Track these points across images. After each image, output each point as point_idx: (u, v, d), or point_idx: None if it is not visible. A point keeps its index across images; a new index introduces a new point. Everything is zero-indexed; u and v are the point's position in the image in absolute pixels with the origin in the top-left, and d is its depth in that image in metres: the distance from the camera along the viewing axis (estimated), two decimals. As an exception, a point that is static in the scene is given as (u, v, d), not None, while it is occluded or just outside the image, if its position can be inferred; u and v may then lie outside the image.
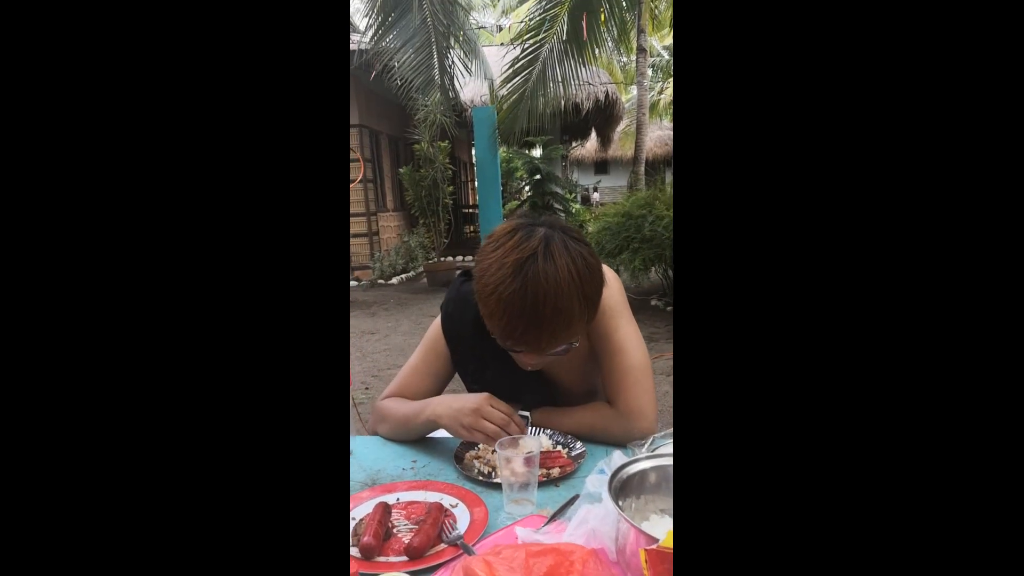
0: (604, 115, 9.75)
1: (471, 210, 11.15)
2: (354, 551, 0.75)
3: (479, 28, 7.88)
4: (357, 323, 5.33)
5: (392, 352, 4.41)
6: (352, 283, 7.46)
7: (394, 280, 7.57)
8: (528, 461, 0.84)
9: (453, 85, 5.67)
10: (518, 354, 0.98)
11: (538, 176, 7.99)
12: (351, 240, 7.74)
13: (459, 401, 0.99)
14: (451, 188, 7.74)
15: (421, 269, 7.68)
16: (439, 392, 1.16)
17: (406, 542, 0.75)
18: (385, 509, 0.81)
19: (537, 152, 9.41)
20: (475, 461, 0.99)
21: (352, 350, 3.72)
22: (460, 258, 8.43)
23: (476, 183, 7.94)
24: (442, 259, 7.64)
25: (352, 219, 7.80)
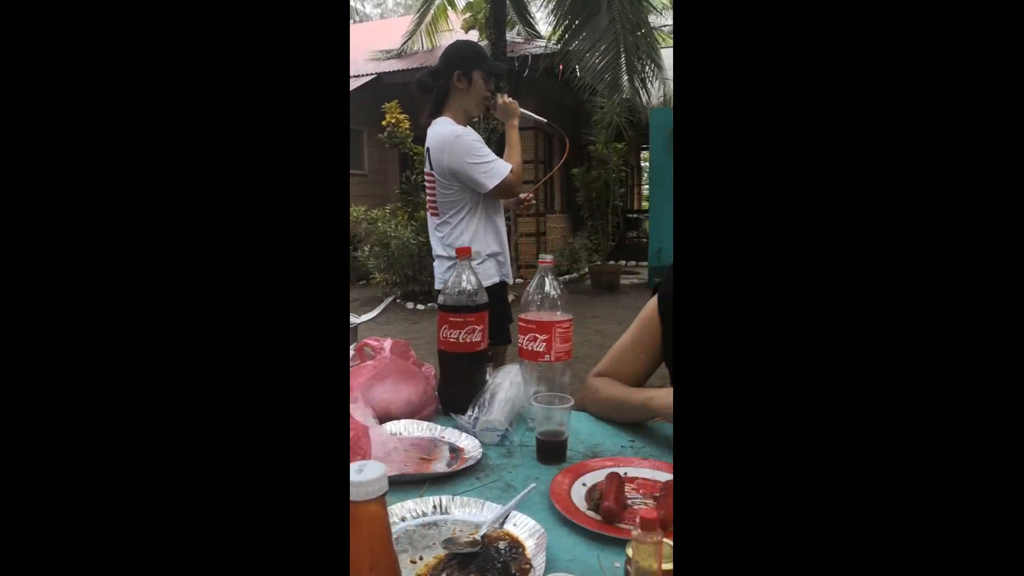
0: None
1: (636, 215, 10.95)
2: (593, 514, 0.76)
3: (657, 28, 7.73)
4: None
5: (558, 348, 4.46)
6: (519, 280, 7.71)
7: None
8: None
9: (644, 85, 5.58)
10: None
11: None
12: (521, 240, 8.00)
13: None
14: (622, 191, 7.67)
15: (585, 271, 7.70)
16: (652, 371, 1.13)
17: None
18: (620, 479, 0.80)
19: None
20: (699, 449, 0.95)
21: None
22: (624, 263, 8.31)
23: (644, 187, 7.73)
24: (608, 263, 7.59)
25: (523, 219, 8.07)
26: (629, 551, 0.55)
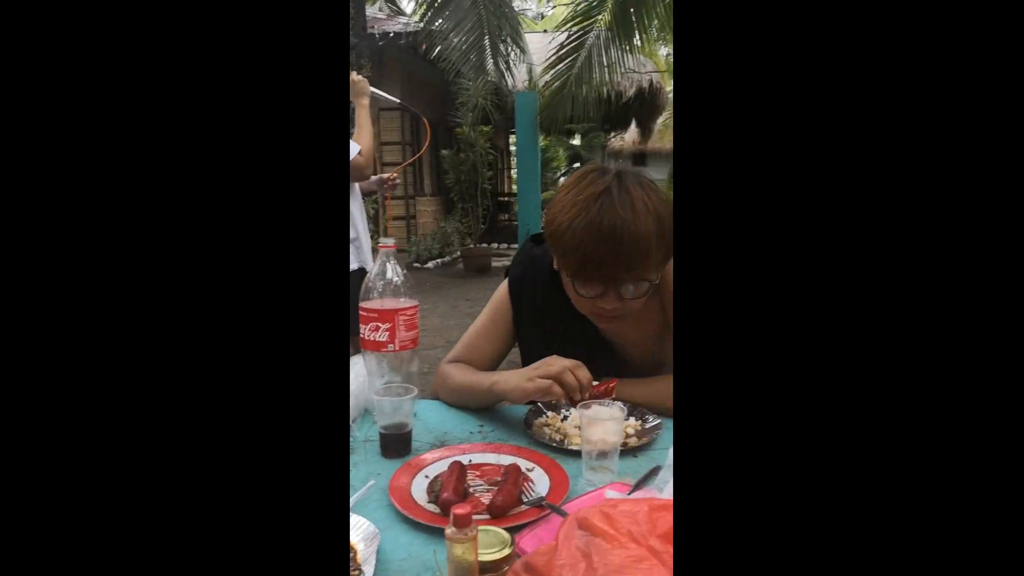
0: (646, 105, 9.56)
1: (506, 198, 11.10)
2: (432, 507, 0.73)
3: (520, 12, 7.83)
4: (394, 304, 5.37)
5: (430, 333, 4.43)
6: (388, 266, 7.50)
7: (430, 264, 7.59)
8: (606, 430, 0.80)
9: (509, 68, 5.60)
10: (597, 303, 0.95)
11: (577, 164, 7.90)
12: (390, 223, 7.78)
13: (531, 368, 0.96)
14: (490, 174, 7.71)
15: (457, 254, 7.68)
16: (504, 354, 1.13)
17: (485, 502, 0.72)
18: (462, 468, 0.78)
19: (576, 140, 9.29)
20: (545, 428, 0.96)
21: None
22: (495, 245, 8.41)
23: (513, 171, 7.85)
24: (479, 245, 7.63)
25: (392, 202, 7.85)
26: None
